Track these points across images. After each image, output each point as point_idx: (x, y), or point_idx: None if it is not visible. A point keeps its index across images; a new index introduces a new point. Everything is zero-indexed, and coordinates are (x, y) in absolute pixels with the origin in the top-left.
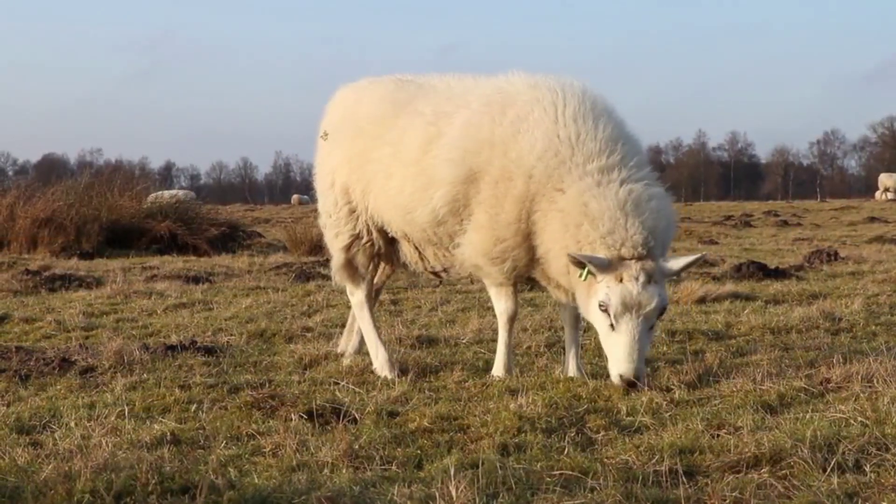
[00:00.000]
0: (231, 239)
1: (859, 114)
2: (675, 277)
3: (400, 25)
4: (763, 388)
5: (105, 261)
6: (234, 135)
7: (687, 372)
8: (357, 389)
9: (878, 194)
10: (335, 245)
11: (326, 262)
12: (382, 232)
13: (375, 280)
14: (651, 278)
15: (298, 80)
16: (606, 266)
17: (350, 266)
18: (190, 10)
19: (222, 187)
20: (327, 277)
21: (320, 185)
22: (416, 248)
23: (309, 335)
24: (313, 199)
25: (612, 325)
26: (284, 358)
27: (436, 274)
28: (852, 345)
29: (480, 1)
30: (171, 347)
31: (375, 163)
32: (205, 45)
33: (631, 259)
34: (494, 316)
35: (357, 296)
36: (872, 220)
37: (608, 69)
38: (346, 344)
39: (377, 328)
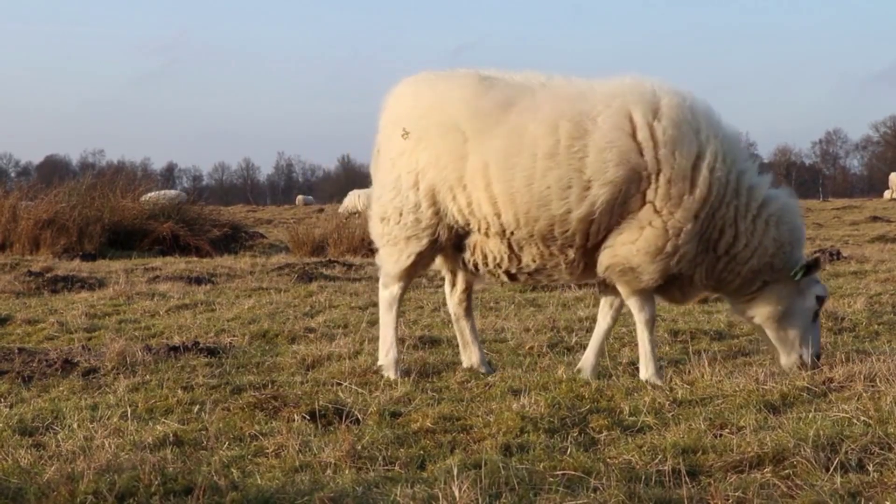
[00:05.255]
0: (233, 240)
1: (861, 114)
2: None
3: (409, 27)
4: (766, 387)
5: (107, 262)
6: (236, 136)
7: (689, 371)
8: (360, 390)
9: (887, 193)
10: (408, 248)
11: (329, 263)
12: (456, 235)
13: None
14: None
15: (301, 81)
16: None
17: (415, 269)
18: (197, 14)
19: (224, 188)
20: (330, 278)
21: (398, 185)
22: (511, 247)
23: (311, 336)
24: (317, 200)
25: (817, 315)
26: (287, 359)
27: (512, 276)
28: (855, 344)
29: (492, 3)
30: (174, 348)
31: (481, 157)
32: (210, 49)
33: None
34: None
35: (393, 291)
36: (875, 219)
37: (616, 69)
38: (469, 358)
39: (397, 329)
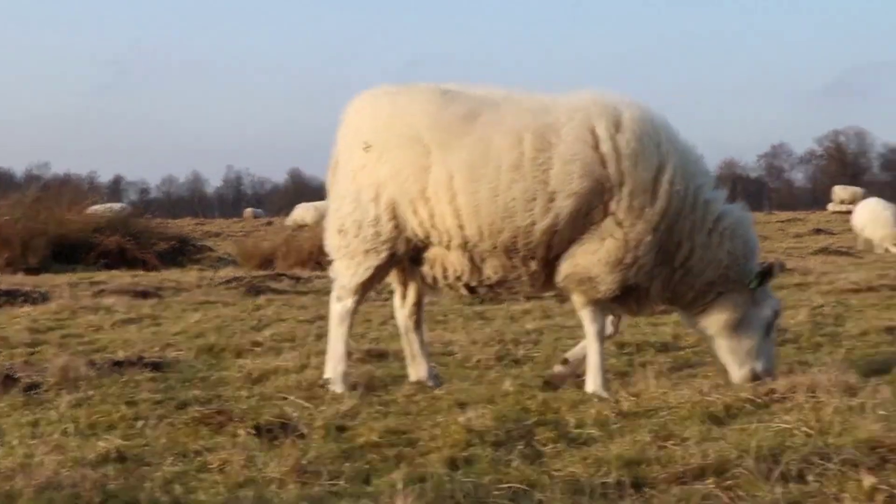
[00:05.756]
0: (181, 253)
1: (806, 128)
2: None
3: (360, 41)
4: (710, 399)
5: (52, 276)
6: (184, 148)
7: (635, 383)
8: (306, 404)
9: (831, 206)
10: (367, 261)
11: (277, 276)
12: (415, 248)
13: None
14: None
15: (251, 94)
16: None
17: (371, 282)
18: (148, 26)
19: (172, 201)
20: (278, 291)
21: (358, 197)
22: (473, 259)
23: (258, 350)
24: (267, 213)
25: (769, 328)
26: (233, 373)
27: (472, 289)
28: (797, 356)
29: (443, 20)
30: (118, 363)
31: (445, 170)
32: (160, 61)
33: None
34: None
35: (347, 304)
36: (818, 231)
37: (566, 85)
38: (416, 371)
39: (346, 343)
